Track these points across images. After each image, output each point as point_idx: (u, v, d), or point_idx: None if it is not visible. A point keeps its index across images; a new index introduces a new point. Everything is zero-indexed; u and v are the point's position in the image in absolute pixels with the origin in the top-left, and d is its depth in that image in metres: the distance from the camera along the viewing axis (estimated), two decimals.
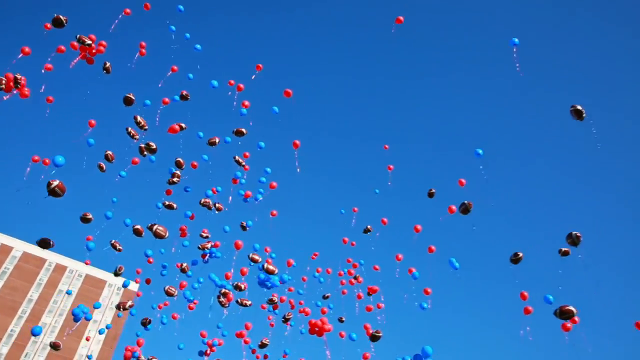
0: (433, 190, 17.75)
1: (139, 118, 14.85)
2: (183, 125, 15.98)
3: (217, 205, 17.91)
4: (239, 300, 16.53)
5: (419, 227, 18.36)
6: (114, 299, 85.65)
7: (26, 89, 13.63)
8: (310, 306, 19.70)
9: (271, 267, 16.84)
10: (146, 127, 15.00)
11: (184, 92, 16.88)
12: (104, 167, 15.57)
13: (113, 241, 16.46)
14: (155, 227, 14.33)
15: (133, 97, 15.28)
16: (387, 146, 21.31)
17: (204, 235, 17.98)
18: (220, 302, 16.08)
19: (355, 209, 20.97)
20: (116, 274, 17.18)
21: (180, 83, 17.11)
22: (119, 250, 16.65)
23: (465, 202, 16.30)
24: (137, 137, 14.94)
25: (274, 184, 18.50)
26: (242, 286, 16.96)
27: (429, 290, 17.75)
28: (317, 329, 16.30)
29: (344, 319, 18.31)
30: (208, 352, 17.25)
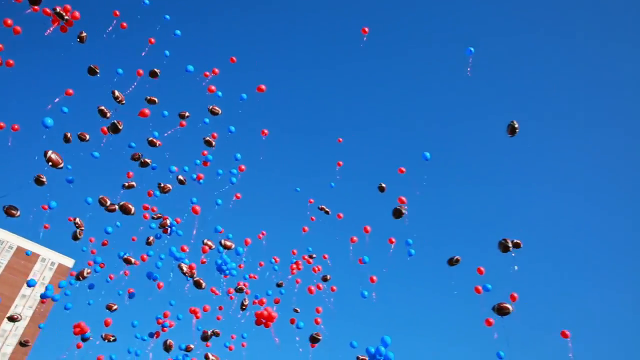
0: (383, 185, 18.10)
1: (117, 93, 14.65)
2: (155, 99, 15.97)
3: (179, 177, 17.89)
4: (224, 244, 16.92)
5: (368, 228, 18.84)
6: (46, 274, 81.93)
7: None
8: (262, 294, 20.01)
9: (228, 243, 17.17)
10: (124, 102, 14.82)
11: (157, 70, 16.72)
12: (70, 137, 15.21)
13: (78, 221, 16.21)
14: (49, 153, 13.06)
15: (97, 69, 15.29)
16: (340, 139, 21.88)
17: (156, 215, 17.88)
18: (183, 272, 16.20)
19: (312, 200, 21.25)
20: (75, 238, 16.71)
21: (156, 59, 16.95)
22: (80, 227, 16.38)
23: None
24: (123, 101, 14.77)
25: (243, 166, 18.63)
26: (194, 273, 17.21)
27: (374, 278, 18.16)
28: (263, 320, 16.60)
29: (298, 310, 18.66)
30: (159, 332, 17.17)
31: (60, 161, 13.14)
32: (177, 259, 17.02)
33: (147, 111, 15.71)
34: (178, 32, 16.98)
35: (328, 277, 19.83)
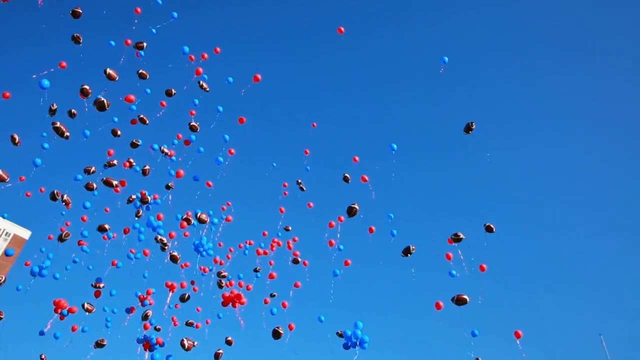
0: (347, 175, 18.33)
1: (108, 70, 14.62)
2: (146, 73, 16.12)
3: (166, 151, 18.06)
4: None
5: (342, 217, 19.17)
6: (0, 244, 79.19)
7: None
8: (233, 276, 20.27)
9: (203, 217, 17.52)
10: (117, 78, 14.85)
11: (143, 44, 16.70)
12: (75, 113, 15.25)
13: (66, 197, 16.22)
14: (57, 124, 14.35)
15: (80, 38, 15.28)
16: (315, 124, 21.94)
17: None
18: (160, 243, 16.42)
19: (286, 183, 21.42)
20: (61, 239, 16.73)
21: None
22: (67, 203, 16.45)
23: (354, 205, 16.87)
24: (116, 78, 14.85)
25: (232, 150, 18.85)
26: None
27: (349, 261, 18.53)
28: (230, 302, 17.05)
29: (275, 294, 18.82)
30: (134, 308, 17.41)
31: (66, 131, 13.96)
32: (154, 228, 17.13)
33: (132, 97, 15.99)
34: (175, 14, 17.01)
35: (299, 259, 20.05)
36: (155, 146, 18.38)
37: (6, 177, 14.72)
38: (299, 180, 20.37)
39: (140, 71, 16.01)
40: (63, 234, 16.86)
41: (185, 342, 16.00)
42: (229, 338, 17.46)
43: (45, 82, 14.31)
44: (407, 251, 16.01)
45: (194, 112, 18.44)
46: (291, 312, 18.17)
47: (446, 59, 17.63)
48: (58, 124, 14.25)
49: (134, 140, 16.77)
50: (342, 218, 19.29)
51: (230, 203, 20.13)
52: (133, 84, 15.93)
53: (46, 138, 17.07)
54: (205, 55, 17.83)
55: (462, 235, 15.57)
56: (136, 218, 17.06)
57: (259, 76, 17.70)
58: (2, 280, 15.63)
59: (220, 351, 17.21)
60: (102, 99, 14.88)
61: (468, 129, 16.35)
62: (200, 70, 17.84)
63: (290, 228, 20.54)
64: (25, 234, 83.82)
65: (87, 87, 14.77)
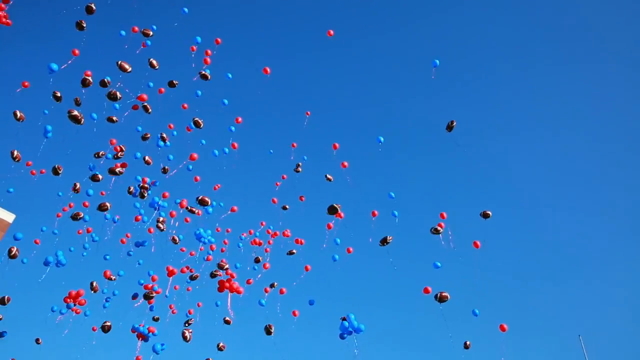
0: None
1: (120, 62, 14.64)
2: (155, 63, 16.16)
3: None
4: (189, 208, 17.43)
5: (376, 212, 18.95)
6: None
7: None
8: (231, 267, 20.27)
9: (206, 199, 17.60)
10: (130, 70, 14.86)
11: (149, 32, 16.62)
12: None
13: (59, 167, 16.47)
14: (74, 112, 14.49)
15: (84, 24, 15.04)
16: (308, 112, 21.47)
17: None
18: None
19: (284, 176, 21.42)
20: (75, 219, 16.81)
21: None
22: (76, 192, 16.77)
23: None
24: (129, 69, 14.93)
25: (239, 118, 18.78)
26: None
27: (351, 249, 18.75)
28: (226, 286, 17.21)
29: (276, 284, 18.86)
30: (136, 296, 17.30)
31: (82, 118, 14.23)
32: (157, 207, 17.06)
33: (145, 96, 16.13)
34: (186, 9, 17.05)
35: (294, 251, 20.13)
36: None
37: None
38: (299, 164, 20.02)
39: (151, 60, 15.99)
40: (75, 214, 16.78)
41: (187, 333, 16.15)
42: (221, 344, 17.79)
43: (54, 66, 14.31)
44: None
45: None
46: (290, 300, 18.51)
47: (437, 62, 17.92)
48: (75, 112, 14.22)
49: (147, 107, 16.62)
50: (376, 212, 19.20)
51: (235, 208, 20.10)
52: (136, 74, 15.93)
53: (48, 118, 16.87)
54: (209, 52, 17.73)
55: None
56: (141, 198, 16.98)
57: (268, 69, 17.77)
58: None
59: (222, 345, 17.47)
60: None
61: (449, 127, 16.86)
62: (209, 55, 17.62)
63: (287, 207, 20.30)
64: (9, 217, 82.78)
65: (89, 77, 14.83)
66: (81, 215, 17.05)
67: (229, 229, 20.48)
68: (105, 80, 15.31)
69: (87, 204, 17.80)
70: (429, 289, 15.72)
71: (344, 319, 13.92)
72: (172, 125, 18.66)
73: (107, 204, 17.26)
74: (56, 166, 16.43)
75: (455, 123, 16.94)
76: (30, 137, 16.78)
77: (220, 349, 17.77)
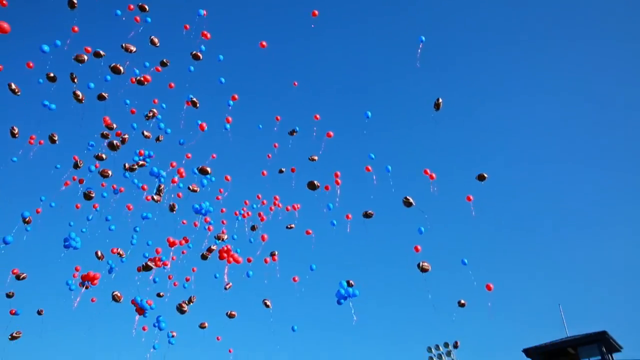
0: (315, 157, 19.02)
1: (125, 44, 14.98)
2: (156, 40, 16.37)
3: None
4: (190, 186, 17.77)
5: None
6: None
7: None
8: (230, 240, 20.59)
9: (207, 168, 17.89)
10: (135, 50, 15.09)
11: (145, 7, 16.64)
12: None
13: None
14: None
15: (75, 2, 15.05)
16: (295, 82, 21.28)
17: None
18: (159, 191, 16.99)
19: (276, 144, 21.62)
20: (87, 197, 16.94)
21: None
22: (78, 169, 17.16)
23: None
24: (134, 50, 15.33)
25: (235, 95, 18.83)
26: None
27: (350, 215, 19.15)
28: (225, 254, 17.73)
29: (276, 253, 19.36)
30: (140, 268, 17.81)
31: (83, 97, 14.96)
32: (157, 176, 17.32)
33: (149, 77, 16.50)
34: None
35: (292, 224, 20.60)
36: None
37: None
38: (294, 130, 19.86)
39: (152, 38, 16.13)
40: (87, 192, 16.97)
41: (185, 305, 16.47)
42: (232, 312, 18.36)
43: (45, 47, 14.53)
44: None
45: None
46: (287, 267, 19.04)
47: (423, 38, 18.03)
48: (78, 92, 14.91)
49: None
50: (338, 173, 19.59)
51: (229, 177, 20.35)
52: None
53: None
54: (208, 35, 17.70)
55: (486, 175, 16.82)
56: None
57: (265, 43, 17.83)
58: None
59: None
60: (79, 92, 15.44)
61: (437, 105, 17.08)
62: (208, 35, 17.60)
63: (283, 170, 20.42)
64: None
65: (84, 56, 15.04)
66: (93, 195, 17.18)
67: (224, 209, 20.69)
68: (100, 52, 15.58)
69: (104, 184, 18.10)
70: (419, 247, 16.55)
71: (350, 284, 14.64)
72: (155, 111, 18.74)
73: (108, 171, 17.49)
74: (51, 134, 16.65)
75: (441, 100, 17.04)
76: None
77: (230, 317, 18.24)
